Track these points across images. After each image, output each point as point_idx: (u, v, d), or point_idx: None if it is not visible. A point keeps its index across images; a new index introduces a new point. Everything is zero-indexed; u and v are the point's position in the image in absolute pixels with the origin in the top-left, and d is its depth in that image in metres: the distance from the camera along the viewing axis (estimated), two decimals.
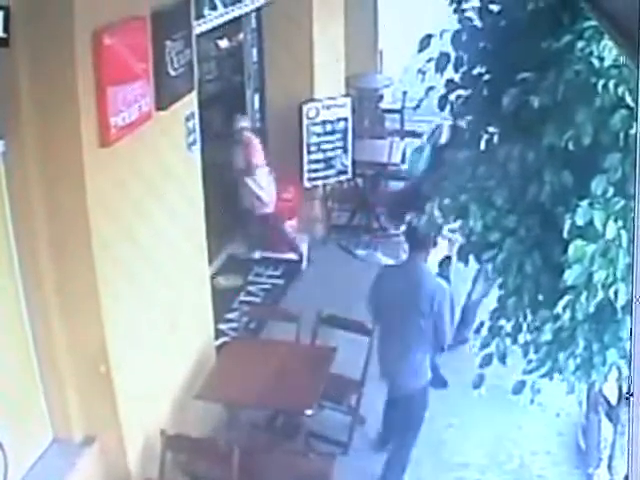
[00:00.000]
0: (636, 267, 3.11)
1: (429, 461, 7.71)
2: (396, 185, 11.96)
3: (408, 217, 7.16)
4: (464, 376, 6.28)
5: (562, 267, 5.18)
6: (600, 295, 5.13)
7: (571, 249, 5.08)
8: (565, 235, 5.11)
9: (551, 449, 7.94)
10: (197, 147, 7.50)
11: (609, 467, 7.17)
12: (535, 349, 5.77)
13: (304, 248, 10.97)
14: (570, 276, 5.11)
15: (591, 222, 5.01)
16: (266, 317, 9.19)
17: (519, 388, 5.90)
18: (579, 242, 5.07)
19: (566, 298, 5.22)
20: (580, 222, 5.03)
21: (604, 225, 4.99)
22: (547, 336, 5.50)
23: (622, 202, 5.00)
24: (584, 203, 5.03)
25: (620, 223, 4.99)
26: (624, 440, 6.60)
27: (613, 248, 5.07)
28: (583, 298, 5.16)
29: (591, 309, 5.22)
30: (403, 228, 7.41)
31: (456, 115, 6.16)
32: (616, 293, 5.09)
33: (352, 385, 7.89)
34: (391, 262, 10.02)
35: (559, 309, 5.24)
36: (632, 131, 4.96)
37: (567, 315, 5.26)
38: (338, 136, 11.35)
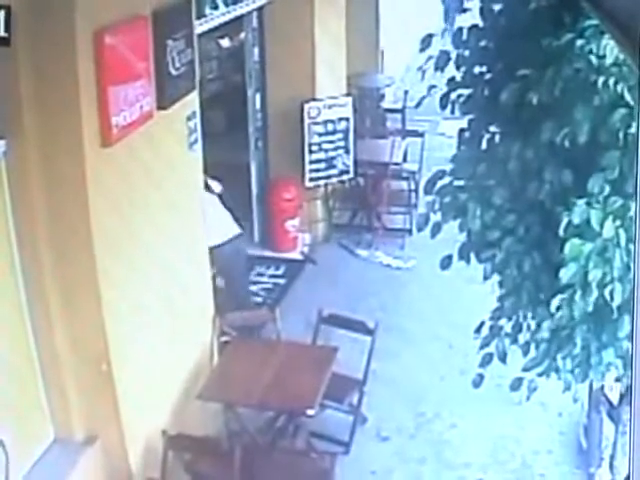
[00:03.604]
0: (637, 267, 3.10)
1: (432, 461, 7.71)
2: (398, 184, 11.96)
3: None
4: (468, 375, 6.27)
5: (561, 266, 5.17)
6: (595, 294, 5.11)
7: (567, 247, 5.06)
8: (561, 233, 5.10)
9: (553, 448, 7.93)
10: (198, 146, 7.50)
11: (610, 467, 7.17)
12: (535, 348, 5.77)
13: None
14: (565, 274, 5.10)
15: (588, 221, 5.00)
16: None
17: (517, 385, 5.90)
18: (575, 241, 5.05)
19: (559, 297, 5.20)
20: (577, 220, 5.02)
21: (601, 224, 4.98)
22: (544, 334, 5.48)
23: (620, 201, 4.99)
24: (581, 202, 5.02)
25: (618, 222, 4.98)
26: (625, 440, 6.60)
27: (610, 247, 5.05)
28: (577, 297, 5.13)
29: (589, 308, 5.20)
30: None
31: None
32: (612, 293, 5.07)
33: (354, 384, 7.89)
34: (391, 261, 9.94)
35: (552, 308, 5.23)
36: (631, 130, 4.97)
37: (564, 313, 5.24)
38: (339, 136, 11.34)
